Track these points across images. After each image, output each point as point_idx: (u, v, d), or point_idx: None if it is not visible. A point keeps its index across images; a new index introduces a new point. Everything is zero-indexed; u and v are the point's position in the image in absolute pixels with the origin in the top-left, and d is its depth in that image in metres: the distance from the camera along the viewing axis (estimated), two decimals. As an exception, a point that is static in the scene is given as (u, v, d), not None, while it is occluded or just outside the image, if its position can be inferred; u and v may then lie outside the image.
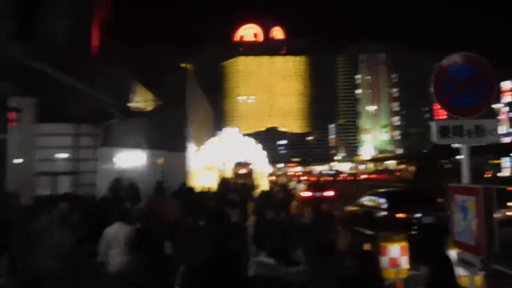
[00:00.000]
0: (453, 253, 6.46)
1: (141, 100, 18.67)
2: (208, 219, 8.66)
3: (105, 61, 17.77)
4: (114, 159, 16.09)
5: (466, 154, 3.31)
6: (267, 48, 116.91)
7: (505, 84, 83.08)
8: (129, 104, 17.44)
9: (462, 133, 3.23)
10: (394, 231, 7.79)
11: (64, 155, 15.91)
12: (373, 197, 10.51)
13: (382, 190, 11.14)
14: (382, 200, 9.94)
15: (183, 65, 20.15)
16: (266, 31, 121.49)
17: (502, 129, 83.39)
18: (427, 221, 8.39)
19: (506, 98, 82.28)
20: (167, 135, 16.77)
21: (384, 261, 6.70)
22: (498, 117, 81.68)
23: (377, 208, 9.84)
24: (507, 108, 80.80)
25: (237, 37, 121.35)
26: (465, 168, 3.31)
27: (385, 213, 9.34)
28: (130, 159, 16.24)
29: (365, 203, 10.63)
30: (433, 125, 3.27)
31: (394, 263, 6.62)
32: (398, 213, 8.84)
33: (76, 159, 15.89)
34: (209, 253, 3.38)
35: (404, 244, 6.71)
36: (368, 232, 9.72)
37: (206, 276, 2.76)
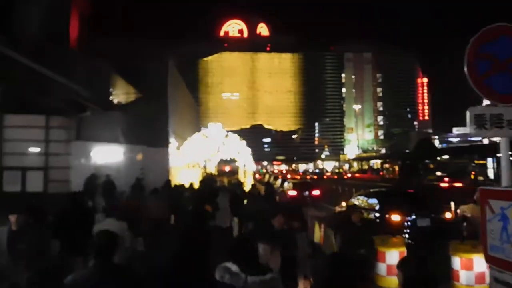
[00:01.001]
0: (456, 260, 5.94)
1: (119, 92, 17.78)
2: (187, 219, 7.90)
3: (82, 52, 16.99)
4: (89, 154, 15.21)
5: (506, 150, 2.66)
6: (252, 44, 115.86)
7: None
8: (106, 96, 16.54)
9: (501, 123, 2.59)
10: (387, 234, 7.23)
11: (34, 149, 14.97)
12: (363, 198, 9.93)
13: (373, 190, 10.59)
14: (374, 201, 9.37)
15: (164, 58, 19.26)
16: (251, 28, 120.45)
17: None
18: (422, 224, 7.84)
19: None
20: (147, 130, 15.97)
21: (381, 268, 6.10)
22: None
23: (369, 209, 9.26)
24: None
25: (221, 33, 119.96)
26: (504, 168, 2.66)
27: (377, 214, 8.76)
28: (107, 154, 15.40)
29: (355, 203, 10.03)
30: (468, 114, 2.60)
31: (393, 270, 6.03)
32: (391, 215, 8.26)
33: (47, 153, 15.00)
34: (176, 254, 3.14)
35: (403, 249, 6.14)
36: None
37: (169, 277, 2.67)
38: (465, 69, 2.66)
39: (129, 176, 14.58)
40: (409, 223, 7.86)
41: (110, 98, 16.93)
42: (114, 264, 2.67)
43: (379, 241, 6.30)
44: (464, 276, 5.56)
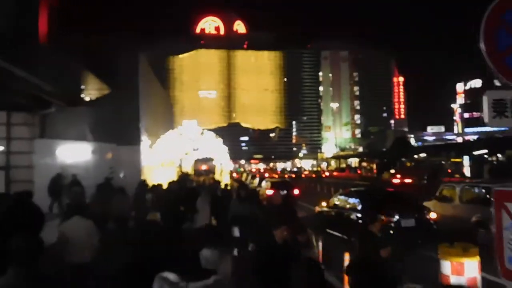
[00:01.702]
0: (446, 264, 5.56)
1: (87, 87, 16.83)
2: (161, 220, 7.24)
3: (47, 45, 16.02)
4: (54, 153, 14.31)
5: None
6: (229, 41, 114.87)
7: (459, 86, 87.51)
8: (73, 92, 15.58)
9: (526, 111, 2.10)
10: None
11: (-6, 148, 13.92)
12: (345, 197, 9.53)
13: (355, 189, 10.21)
14: (355, 201, 8.97)
15: (136, 52, 18.39)
16: (228, 25, 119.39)
17: (456, 129, 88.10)
18: (407, 225, 7.46)
19: (460, 99, 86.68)
20: (117, 127, 15.12)
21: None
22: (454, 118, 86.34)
23: (351, 209, 8.85)
24: (459, 110, 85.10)
25: (198, 30, 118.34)
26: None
27: (358, 215, 8.36)
28: (73, 153, 14.51)
29: (337, 203, 9.63)
30: (485, 99, 2.11)
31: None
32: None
33: (9, 152, 14.02)
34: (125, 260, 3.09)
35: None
36: (341, 235, 8.73)
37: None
38: (481, 44, 2.16)
39: (97, 176, 13.77)
40: (392, 224, 7.47)
41: (77, 93, 15.96)
42: (38, 273, 2.45)
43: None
44: (455, 282, 5.16)
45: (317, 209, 10.96)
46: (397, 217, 7.58)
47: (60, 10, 18.94)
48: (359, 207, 8.48)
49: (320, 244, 8.11)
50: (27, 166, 14.02)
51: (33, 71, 12.79)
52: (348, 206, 9.07)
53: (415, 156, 36.82)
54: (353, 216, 8.48)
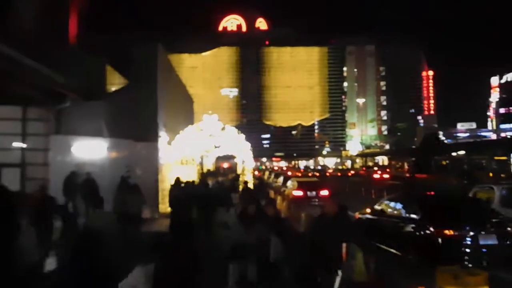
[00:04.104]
0: None
1: (104, 80, 16.01)
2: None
3: (67, 40, 15.43)
4: (70, 149, 13.58)
5: None
6: (250, 39, 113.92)
7: (494, 80, 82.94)
8: (89, 85, 14.80)
9: None
10: (438, 257, 5.34)
11: (9, 144, 13.25)
12: (395, 202, 8.00)
13: (409, 193, 8.64)
14: (409, 208, 7.41)
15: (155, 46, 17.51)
16: (250, 22, 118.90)
17: (489, 125, 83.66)
18: (487, 242, 5.89)
19: (495, 94, 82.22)
20: (134, 122, 14.23)
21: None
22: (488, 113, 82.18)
23: (402, 218, 7.34)
24: (494, 105, 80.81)
25: (220, 28, 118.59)
26: None
27: (415, 225, 6.83)
28: (89, 150, 13.75)
29: (384, 209, 8.12)
30: None
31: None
32: (439, 228, 6.29)
33: (24, 148, 13.36)
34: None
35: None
36: (393, 251, 7.25)
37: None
38: None
39: (113, 173, 12.97)
40: (468, 241, 5.88)
41: (94, 87, 15.27)
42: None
43: (442, 273, 4.37)
44: None
45: (357, 215, 9.48)
46: (472, 231, 5.99)
47: (86, 6, 18.36)
48: (417, 217, 6.94)
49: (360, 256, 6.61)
50: (43, 163, 13.42)
51: (46, 63, 12.13)
52: (400, 214, 7.56)
53: (454, 154, 34.56)
54: (407, 228, 6.97)
